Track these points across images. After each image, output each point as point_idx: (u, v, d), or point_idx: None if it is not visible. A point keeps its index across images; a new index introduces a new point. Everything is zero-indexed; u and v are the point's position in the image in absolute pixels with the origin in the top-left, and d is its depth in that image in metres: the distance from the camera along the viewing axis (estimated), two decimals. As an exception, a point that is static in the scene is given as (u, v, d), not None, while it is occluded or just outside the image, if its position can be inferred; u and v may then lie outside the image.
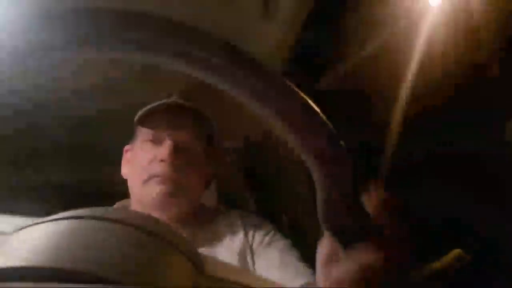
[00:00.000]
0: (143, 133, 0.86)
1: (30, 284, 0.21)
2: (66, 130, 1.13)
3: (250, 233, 0.84)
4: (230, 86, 0.26)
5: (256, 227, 0.86)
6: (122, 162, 0.92)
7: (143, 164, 0.83)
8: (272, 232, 0.85)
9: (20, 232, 0.26)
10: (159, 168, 0.81)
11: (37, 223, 0.26)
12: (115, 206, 0.89)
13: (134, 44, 0.23)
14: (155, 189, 0.80)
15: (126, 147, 0.93)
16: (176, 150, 0.82)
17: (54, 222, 0.26)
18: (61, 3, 0.23)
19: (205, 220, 0.89)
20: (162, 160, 0.81)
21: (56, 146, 1.12)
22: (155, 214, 0.80)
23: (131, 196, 0.87)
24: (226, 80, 0.26)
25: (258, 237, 0.83)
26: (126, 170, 0.90)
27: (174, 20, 0.24)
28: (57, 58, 0.22)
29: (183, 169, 0.82)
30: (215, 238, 0.84)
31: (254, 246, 0.82)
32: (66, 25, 0.21)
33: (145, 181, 0.81)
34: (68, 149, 1.14)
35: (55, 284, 0.21)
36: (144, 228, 0.26)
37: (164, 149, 0.82)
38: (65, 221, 0.26)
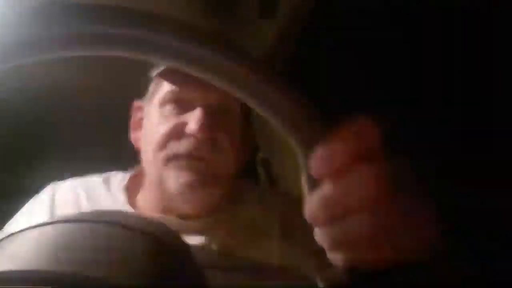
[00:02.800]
0: (163, 90, 0.63)
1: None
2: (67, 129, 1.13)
3: (289, 234, 0.65)
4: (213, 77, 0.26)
5: (297, 225, 0.64)
6: (131, 123, 0.70)
7: (164, 137, 0.61)
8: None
9: (21, 234, 0.26)
10: (186, 146, 0.59)
11: (40, 225, 0.26)
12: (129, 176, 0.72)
13: (123, 40, 0.23)
14: (177, 178, 0.59)
15: (136, 103, 0.70)
16: (210, 118, 0.59)
17: (55, 225, 0.26)
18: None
19: (236, 202, 0.69)
20: (191, 135, 0.59)
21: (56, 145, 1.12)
22: (177, 204, 0.63)
23: (147, 175, 0.67)
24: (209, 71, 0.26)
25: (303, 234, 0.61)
26: (136, 136, 0.69)
27: (162, 15, 0.24)
28: (53, 54, 0.22)
29: (221, 142, 0.61)
30: (251, 229, 0.65)
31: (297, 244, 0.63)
32: (60, 20, 0.21)
33: (167, 161, 0.60)
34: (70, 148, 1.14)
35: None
36: (148, 233, 0.26)
37: (194, 119, 0.59)
38: (67, 224, 0.26)
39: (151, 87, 0.68)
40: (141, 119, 0.69)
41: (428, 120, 0.57)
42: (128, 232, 0.25)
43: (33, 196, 0.71)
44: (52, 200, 0.68)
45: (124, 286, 0.21)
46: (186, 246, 0.29)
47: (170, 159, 0.60)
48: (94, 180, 0.72)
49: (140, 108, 0.70)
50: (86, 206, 0.66)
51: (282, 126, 0.28)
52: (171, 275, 0.24)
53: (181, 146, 0.60)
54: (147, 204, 0.68)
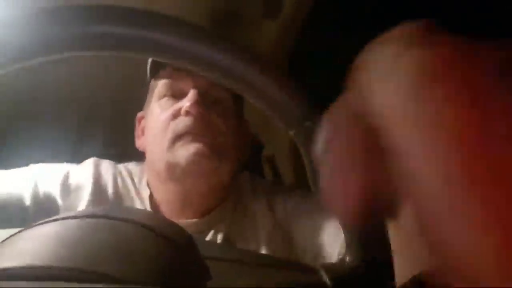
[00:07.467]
0: (159, 88, 0.69)
1: (38, 284, 0.21)
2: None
3: (277, 207, 0.69)
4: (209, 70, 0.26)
5: (284, 199, 0.70)
6: (135, 133, 0.76)
7: (165, 123, 0.65)
8: (300, 200, 0.69)
9: (31, 229, 0.26)
10: (186, 123, 0.63)
11: (51, 220, 0.26)
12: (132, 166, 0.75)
13: (128, 40, 0.23)
14: (186, 150, 0.62)
15: (139, 114, 0.76)
16: (204, 99, 0.65)
17: (67, 220, 0.26)
18: (59, 1, 0.23)
19: (235, 194, 0.73)
20: (188, 112, 0.63)
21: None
22: (187, 185, 0.66)
23: (152, 167, 0.69)
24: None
25: (286, 209, 0.69)
26: (141, 140, 0.73)
27: (166, 15, 0.24)
28: (57, 55, 0.22)
29: (216, 123, 0.65)
30: (247, 221, 0.69)
31: (283, 218, 0.68)
32: (64, 21, 0.21)
33: (171, 143, 0.64)
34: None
35: (65, 284, 0.21)
36: (155, 229, 0.26)
37: (189, 99, 0.63)
38: (78, 220, 0.26)
39: (149, 90, 0.73)
40: (144, 127, 0.74)
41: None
42: (138, 229, 0.25)
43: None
44: (97, 171, 0.71)
45: (132, 283, 0.21)
46: (192, 241, 0.29)
47: (174, 140, 0.64)
48: (131, 168, 0.75)
49: (142, 118, 0.75)
50: (117, 193, 0.70)
51: (284, 122, 0.28)
52: (179, 273, 0.24)
53: (180, 124, 0.64)
54: (160, 196, 0.70)
